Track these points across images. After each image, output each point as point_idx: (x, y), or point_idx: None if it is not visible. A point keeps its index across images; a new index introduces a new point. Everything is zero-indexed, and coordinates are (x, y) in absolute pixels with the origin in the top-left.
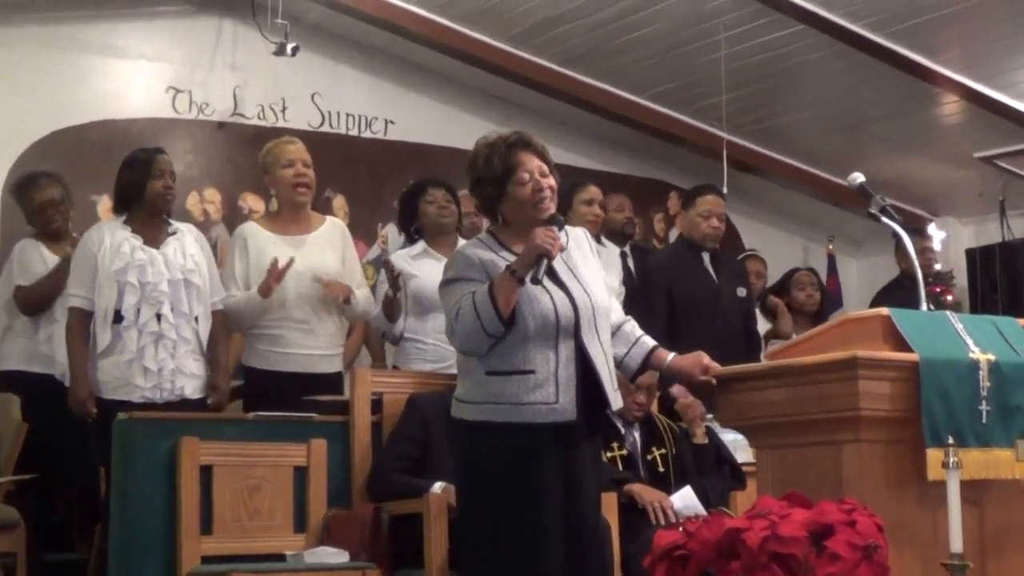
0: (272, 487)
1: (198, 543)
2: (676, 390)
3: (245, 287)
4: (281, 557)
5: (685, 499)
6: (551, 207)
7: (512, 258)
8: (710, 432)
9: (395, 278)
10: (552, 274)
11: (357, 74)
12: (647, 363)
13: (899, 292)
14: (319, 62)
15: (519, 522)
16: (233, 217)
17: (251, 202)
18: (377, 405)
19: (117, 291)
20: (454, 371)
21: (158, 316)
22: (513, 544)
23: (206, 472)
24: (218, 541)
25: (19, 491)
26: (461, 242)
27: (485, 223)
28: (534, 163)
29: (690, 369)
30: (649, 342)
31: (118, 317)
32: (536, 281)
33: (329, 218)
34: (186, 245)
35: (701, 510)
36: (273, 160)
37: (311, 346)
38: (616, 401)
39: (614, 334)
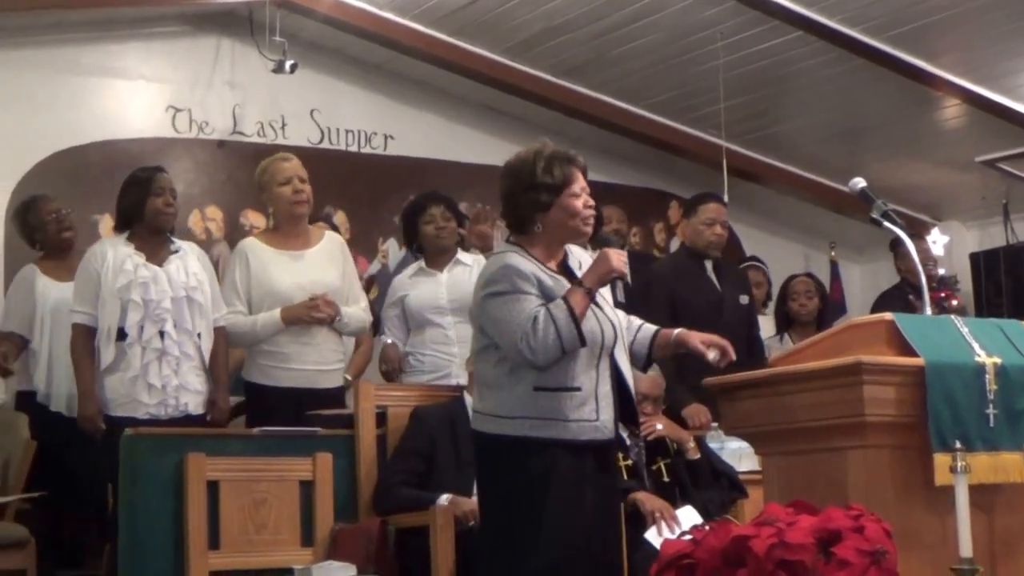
0: (278, 502)
1: (206, 558)
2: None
3: (246, 302)
4: (288, 571)
5: (687, 519)
6: (592, 225)
7: (551, 275)
8: (702, 445)
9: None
10: (591, 296)
11: (355, 90)
12: (654, 344)
13: (899, 297)
14: (317, 79)
15: (558, 538)
16: (235, 234)
17: (253, 219)
18: (381, 418)
19: (120, 308)
20: (452, 381)
21: (161, 333)
22: (547, 557)
23: (213, 488)
24: (225, 556)
25: (32, 509)
26: (460, 255)
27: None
28: (583, 182)
29: (700, 345)
30: (652, 327)
31: (121, 334)
32: (622, 305)
33: (328, 232)
34: (188, 263)
35: None
36: (269, 179)
37: (313, 361)
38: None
39: None
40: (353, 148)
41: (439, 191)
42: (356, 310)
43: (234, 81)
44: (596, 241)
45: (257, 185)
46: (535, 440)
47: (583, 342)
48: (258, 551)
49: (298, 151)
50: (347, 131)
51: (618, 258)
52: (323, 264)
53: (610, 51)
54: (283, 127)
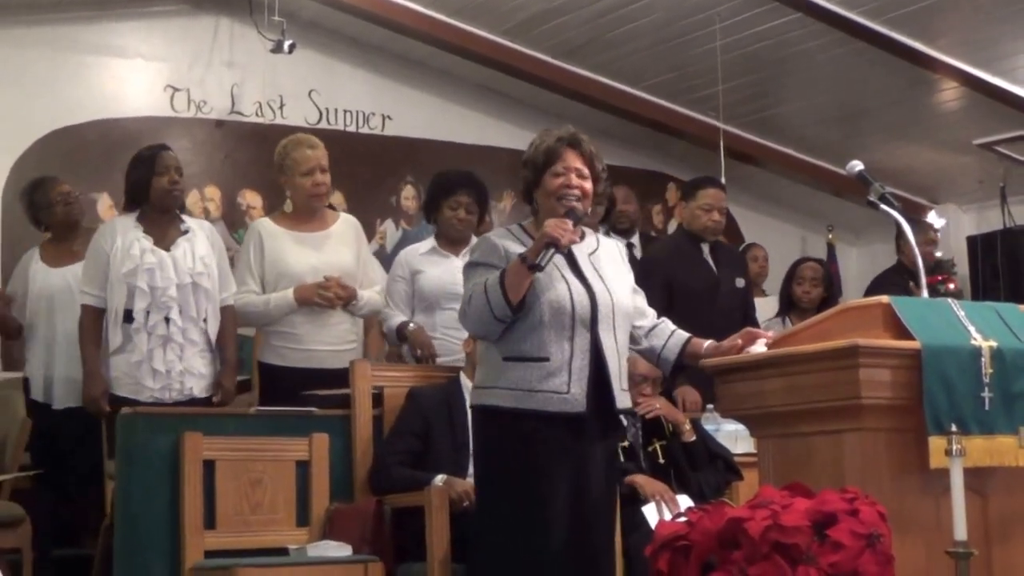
0: (274, 481)
1: (201, 537)
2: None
3: (260, 283)
4: (284, 551)
5: (684, 506)
6: (574, 204)
7: None
8: (697, 427)
9: (422, 360)
10: (574, 267)
11: (354, 70)
12: (684, 352)
13: (895, 281)
14: (316, 59)
15: (525, 507)
16: (232, 214)
17: (250, 199)
18: (378, 399)
19: (127, 292)
20: (461, 364)
21: (167, 319)
22: (518, 528)
23: (208, 467)
24: (221, 535)
25: (27, 487)
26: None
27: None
28: (575, 162)
29: (729, 345)
30: (684, 334)
31: (128, 317)
32: (539, 268)
33: (343, 215)
34: (196, 245)
35: None
36: (292, 164)
37: (327, 341)
38: (623, 400)
39: (650, 331)
40: (351, 128)
41: (475, 177)
42: (372, 293)
43: (232, 61)
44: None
45: (277, 166)
46: (504, 410)
47: (513, 309)
48: (254, 531)
49: (296, 131)
50: (345, 111)
51: (555, 225)
52: (338, 246)
53: (608, 32)
54: (281, 107)
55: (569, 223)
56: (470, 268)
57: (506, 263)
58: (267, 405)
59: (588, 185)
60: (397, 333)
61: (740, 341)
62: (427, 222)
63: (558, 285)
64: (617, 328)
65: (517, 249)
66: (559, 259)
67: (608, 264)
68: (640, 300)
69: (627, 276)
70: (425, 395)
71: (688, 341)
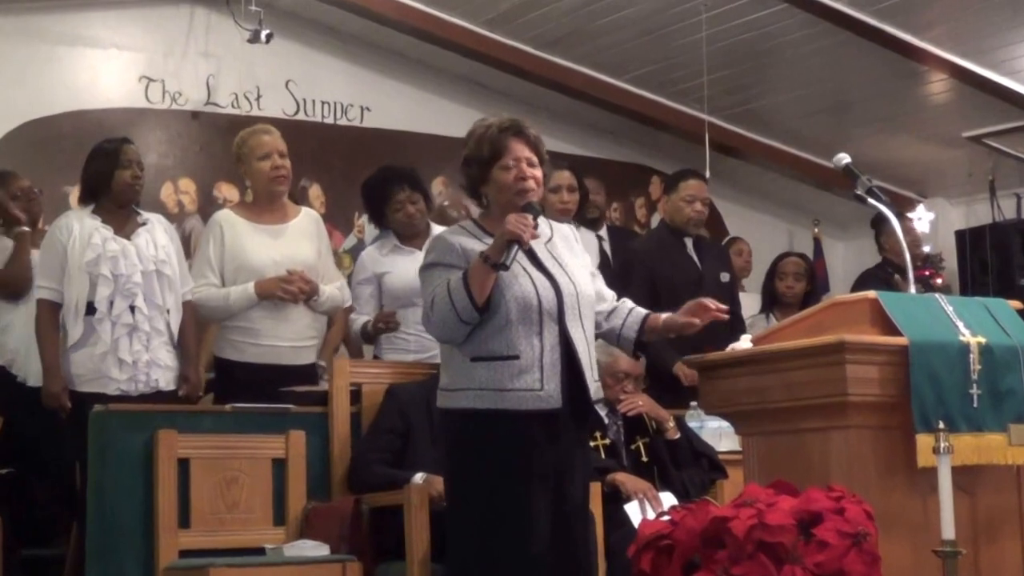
0: (250, 480)
1: (176, 537)
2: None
3: (219, 276)
4: (260, 551)
5: (667, 505)
6: (532, 197)
7: None
8: (681, 425)
9: (379, 332)
10: (534, 260)
11: (332, 61)
12: (644, 327)
13: (881, 278)
14: (293, 49)
15: (507, 511)
16: (208, 207)
17: (226, 192)
18: (356, 396)
19: (89, 283)
20: (437, 361)
21: (131, 308)
22: (501, 533)
23: (183, 465)
24: (196, 535)
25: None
26: (436, 229)
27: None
28: (523, 152)
29: (686, 318)
30: (642, 311)
31: (90, 309)
32: (504, 267)
33: (304, 209)
34: (156, 236)
35: None
36: (248, 151)
37: (286, 337)
38: (595, 391)
39: (610, 313)
40: (329, 120)
41: (396, 166)
42: (333, 289)
43: (208, 51)
44: (579, 217)
45: (235, 157)
46: (475, 412)
47: (479, 310)
48: (229, 530)
49: (273, 122)
50: (323, 102)
51: (516, 221)
52: (300, 240)
53: (592, 23)
54: (258, 98)
55: (529, 218)
56: (427, 270)
57: (464, 261)
58: (224, 402)
59: (539, 173)
60: (362, 332)
61: (696, 320)
62: (385, 232)
63: (522, 280)
64: (584, 318)
65: (474, 246)
66: (519, 254)
67: (565, 251)
68: (599, 283)
69: (584, 259)
70: (404, 392)
71: (647, 317)
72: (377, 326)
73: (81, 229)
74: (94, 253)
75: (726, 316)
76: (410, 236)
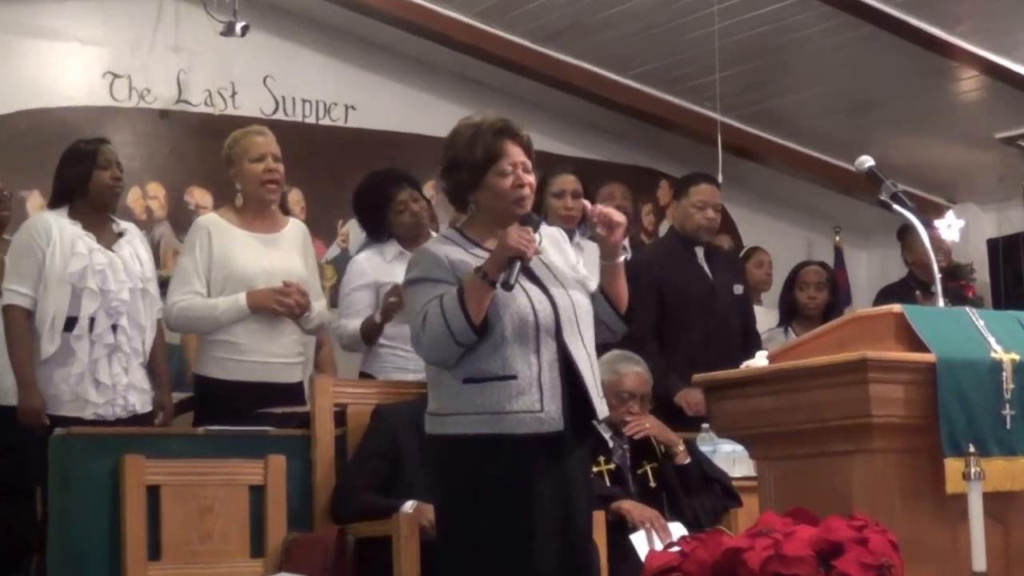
0: (226, 508)
1: (145, 570)
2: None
3: (205, 285)
4: None
5: (676, 535)
6: (528, 205)
7: (485, 257)
8: (692, 449)
9: (393, 309)
10: (528, 272)
11: (314, 55)
12: (607, 294)
13: (904, 294)
14: (272, 43)
15: (507, 544)
16: (178, 213)
17: (199, 197)
18: (341, 417)
19: (71, 295)
20: None
21: (114, 327)
22: (500, 568)
23: (153, 493)
24: (167, 568)
25: None
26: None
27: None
28: (519, 156)
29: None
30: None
31: (69, 324)
32: (508, 286)
33: (292, 219)
34: (138, 250)
35: None
36: (240, 152)
37: (275, 353)
38: (602, 410)
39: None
40: (311, 119)
41: (393, 169)
42: (321, 307)
43: (179, 45)
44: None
45: (225, 159)
46: (470, 438)
47: (478, 332)
48: (203, 562)
49: (250, 122)
50: (304, 101)
51: (517, 236)
52: (290, 251)
53: (594, 15)
54: (233, 96)
55: (530, 231)
56: (412, 286)
57: (452, 275)
58: (205, 423)
59: (533, 179)
60: (363, 331)
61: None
62: (382, 241)
63: (518, 296)
64: (583, 331)
65: (462, 257)
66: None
67: (556, 256)
68: (591, 284)
69: (574, 265)
70: (393, 413)
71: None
72: (388, 300)
73: (61, 234)
74: (80, 264)
75: (621, 218)
76: (413, 238)
